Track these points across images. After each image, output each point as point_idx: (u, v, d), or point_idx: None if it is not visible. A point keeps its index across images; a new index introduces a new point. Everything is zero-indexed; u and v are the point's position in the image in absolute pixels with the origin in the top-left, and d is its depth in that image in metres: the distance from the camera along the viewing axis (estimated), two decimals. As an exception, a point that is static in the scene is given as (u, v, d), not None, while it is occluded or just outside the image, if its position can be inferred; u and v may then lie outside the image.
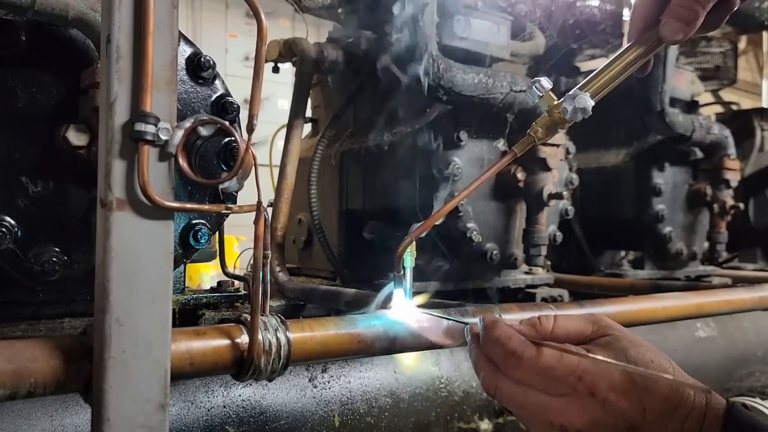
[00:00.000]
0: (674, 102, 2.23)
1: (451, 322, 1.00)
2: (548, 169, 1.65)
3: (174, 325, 0.75)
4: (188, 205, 0.85)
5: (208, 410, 1.09)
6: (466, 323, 0.86)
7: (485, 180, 0.95)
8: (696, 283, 2.24)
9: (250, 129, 0.79)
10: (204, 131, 0.80)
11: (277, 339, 0.85)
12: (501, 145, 1.68)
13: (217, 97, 1.06)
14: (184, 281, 1.27)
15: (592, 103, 0.85)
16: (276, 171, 1.79)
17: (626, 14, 2.45)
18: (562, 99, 0.86)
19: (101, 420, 0.69)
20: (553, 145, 1.66)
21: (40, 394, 0.71)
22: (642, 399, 0.69)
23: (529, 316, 1.18)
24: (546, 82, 0.87)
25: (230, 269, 1.34)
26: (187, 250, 1.04)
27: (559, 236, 1.80)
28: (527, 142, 0.89)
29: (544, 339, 0.77)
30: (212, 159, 1.02)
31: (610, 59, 0.88)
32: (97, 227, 0.71)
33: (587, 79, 0.88)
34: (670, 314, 1.46)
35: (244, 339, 0.84)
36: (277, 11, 5.34)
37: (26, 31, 0.96)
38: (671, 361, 0.76)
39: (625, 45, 0.89)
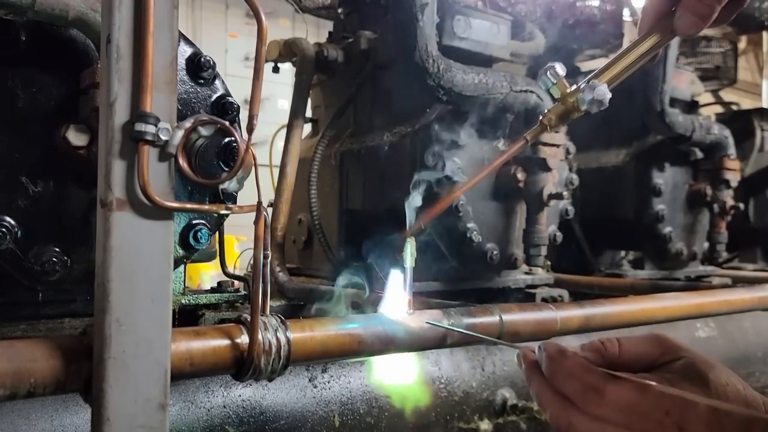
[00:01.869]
0: (674, 102, 2.23)
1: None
2: (548, 169, 1.65)
3: (174, 325, 0.75)
4: (188, 205, 0.85)
5: (208, 410, 1.09)
6: (516, 347, 0.80)
7: (496, 167, 0.94)
8: (696, 284, 2.24)
9: (250, 129, 0.79)
10: (204, 131, 0.80)
11: (277, 339, 0.85)
12: (501, 144, 1.68)
13: (217, 98, 1.06)
14: (184, 281, 1.26)
15: (610, 95, 0.83)
16: (276, 171, 1.79)
17: (626, 14, 2.46)
18: (576, 87, 0.84)
19: (101, 420, 0.69)
20: (553, 145, 1.66)
21: (40, 394, 0.71)
22: (723, 425, 0.65)
23: (529, 315, 1.18)
24: (560, 69, 0.85)
25: (230, 269, 1.34)
26: (187, 250, 1.04)
27: (559, 236, 1.80)
28: (540, 129, 0.87)
29: (613, 365, 0.73)
30: (212, 159, 1.02)
31: (623, 49, 0.86)
32: (97, 227, 0.71)
33: (601, 68, 0.86)
34: (670, 314, 1.46)
35: (244, 339, 0.83)
36: (277, 11, 5.34)
37: (26, 31, 0.96)
38: (741, 380, 0.73)
39: (629, 38, 0.88)
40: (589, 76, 0.85)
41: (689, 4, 0.81)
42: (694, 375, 0.71)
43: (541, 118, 0.87)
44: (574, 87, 0.84)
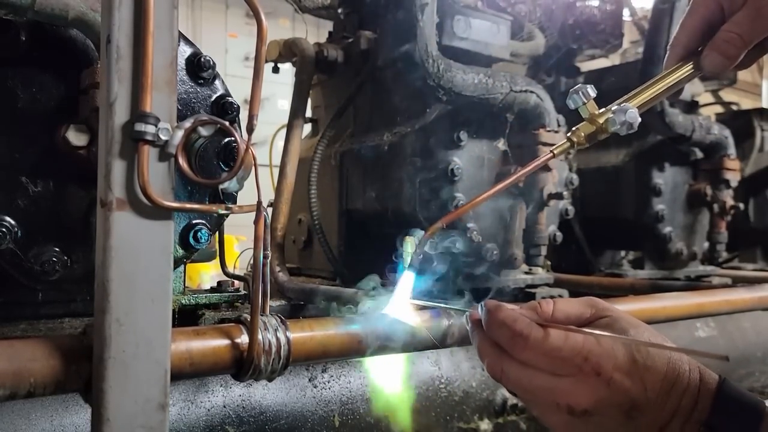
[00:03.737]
0: (674, 102, 2.23)
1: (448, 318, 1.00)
2: (548, 169, 1.65)
3: (174, 325, 0.76)
4: (188, 205, 0.85)
5: (208, 410, 1.09)
6: (465, 310, 0.85)
7: (522, 177, 0.96)
8: (696, 283, 2.24)
9: (250, 129, 0.80)
10: (204, 131, 0.80)
11: (277, 339, 0.85)
12: (501, 144, 1.68)
13: (217, 98, 1.06)
14: (184, 281, 1.26)
15: (639, 119, 0.86)
16: (276, 171, 1.79)
17: (626, 14, 2.46)
18: (607, 108, 0.87)
19: (101, 420, 0.69)
20: (553, 145, 1.65)
21: (40, 394, 0.71)
22: (643, 377, 0.71)
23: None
24: (591, 90, 0.87)
25: (230, 269, 1.34)
26: (187, 250, 1.04)
27: (559, 236, 1.80)
28: (567, 146, 0.90)
29: (546, 322, 0.77)
30: (212, 159, 1.02)
31: (651, 80, 0.89)
32: (97, 227, 0.71)
33: (631, 94, 0.89)
34: (670, 314, 1.46)
35: (244, 339, 0.84)
36: (277, 11, 5.34)
37: (26, 31, 0.96)
38: (668, 340, 0.76)
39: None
40: (620, 99, 0.88)
41: (717, 44, 0.84)
42: (616, 330, 0.75)
43: (569, 134, 0.90)
44: (604, 109, 0.87)
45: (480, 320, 0.79)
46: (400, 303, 1.02)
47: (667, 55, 0.90)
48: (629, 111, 0.85)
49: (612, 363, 0.71)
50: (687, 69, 0.87)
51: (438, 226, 0.92)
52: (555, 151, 0.89)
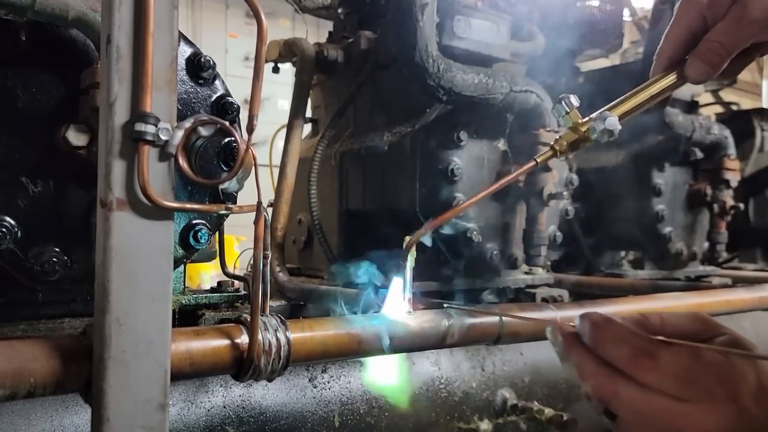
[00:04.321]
0: (674, 102, 2.23)
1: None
2: (548, 169, 1.65)
3: (174, 325, 0.76)
4: (188, 205, 0.85)
5: (208, 410, 1.09)
6: (546, 322, 0.78)
7: (506, 184, 0.98)
8: (696, 283, 2.24)
9: (250, 129, 0.80)
10: (204, 131, 0.80)
11: (277, 339, 0.85)
12: (501, 144, 1.68)
13: (217, 98, 1.06)
14: (184, 281, 1.26)
15: (620, 126, 0.87)
16: (276, 171, 1.79)
17: (626, 14, 2.46)
18: (588, 117, 0.89)
19: (101, 420, 0.69)
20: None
21: (40, 394, 0.71)
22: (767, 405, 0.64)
23: (529, 315, 1.18)
24: (574, 99, 0.89)
25: (230, 269, 1.34)
26: (187, 250, 1.04)
27: (559, 236, 1.80)
28: (550, 154, 0.91)
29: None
30: (212, 159, 1.02)
31: (636, 89, 0.91)
32: (97, 227, 0.71)
33: (613, 103, 0.90)
34: (670, 314, 1.46)
35: (244, 339, 0.84)
36: (277, 11, 5.34)
37: (26, 31, 0.96)
38: None
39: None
40: (602, 109, 0.90)
41: (700, 52, 0.85)
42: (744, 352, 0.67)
43: (552, 143, 0.92)
44: (587, 118, 0.89)
45: (576, 335, 0.71)
46: (400, 303, 1.03)
47: (653, 65, 0.91)
48: (609, 119, 0.86)
49: (748, 389, 0.63)
50: (671, 78, 0.89)
51: (430, 227, 0.93)
52: (538, 159, 0.92)
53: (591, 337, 0.68)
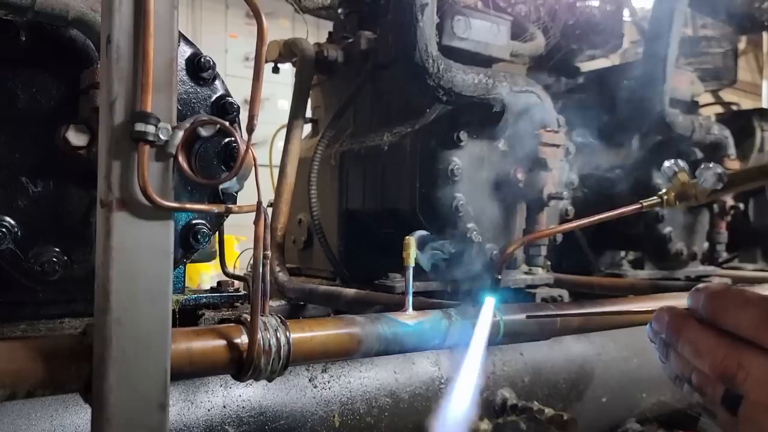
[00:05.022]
0: (674, 102, 2.23)
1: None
2: (548, 169, 1.65)
3: (174, 325, 0.75)
4: (188, 205, 0.85)
5: (208, 410, 1.09)
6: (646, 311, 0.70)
7: (605, 219, 1.06)
8: (696, 283, 2.23)
9: (250, 129, 0.79)
10: (204, 131, 0.80)
11: (277, 339, 0.85)
12: (501, 145, 1.68)
13: (217, 98, 1.06)
14: (184, 281, 1.27)
15: (725, 173, 0.96)
16: (276, 171, 1.79)
17: (626, 14, 2.45)
18: (695, 179, 1.01)
19: (101, 420, 0.69)
20: (553, 145, 1.66)
21: (40, 394, 0.71)
22: None
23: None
24: (682, 163, 1.03)
25: (230, 269, 1.34)
26: (187, 250, 1.04)
27: (559, 236, 1.80)
28: (655, 202, 1.04)
29: None
30: (212, 159, 1.02)
31: (748, 168, 0.98)
32: (97, 227, 0.71)
33: (729, 174, 1.01)
34: (670, 314, 1.46)
35: (244, 339, 0.84)
36: (277, 11, 5.33)
37: (26, 31, 0.96)
38: None
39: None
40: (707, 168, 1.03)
41: None
42: None
43: (660, 192, 1.01)
44: (694, 180, 1.01)
45: (684, 311, 0.64)
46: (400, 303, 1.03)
47: None
48: (713, 166, 1.00)
49: None
50: None
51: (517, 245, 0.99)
52: (643, 203, 1.01)
53: (709, 306, 0.61)
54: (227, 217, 1.01)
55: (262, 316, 0.85)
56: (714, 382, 0.61)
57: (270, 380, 0.89)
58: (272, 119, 3.13)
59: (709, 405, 0.63)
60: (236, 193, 0.97)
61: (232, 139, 1.00)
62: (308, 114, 1.95)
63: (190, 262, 1.19)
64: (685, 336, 0.62)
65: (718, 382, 0.60)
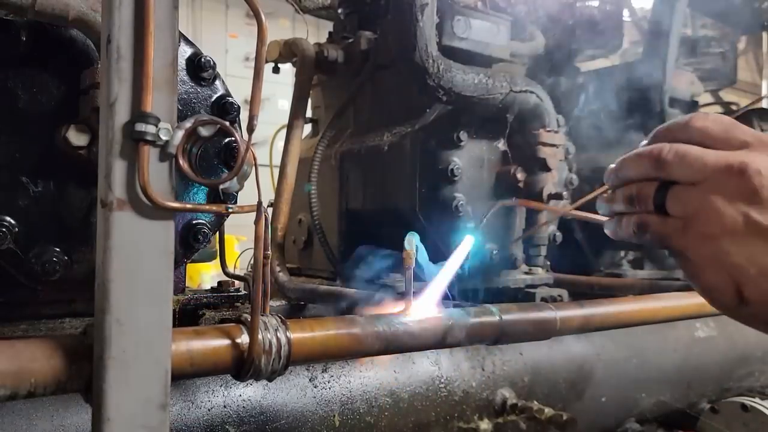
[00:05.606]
0: (674, 102, 2.23)
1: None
2: (548, 169, 1.65)
3: (174, 325, 0.75)
4: (188, 205, 0.85)
5: (209, 410, 1.09)
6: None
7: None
8: (696, 283, 2.23)
9: (251, 129, 0.80)
10: (204, 131, 0.80)
11: (278, 339, 0.85)
12: (501, 145, 1.68)
13: (217, 98, 1.06)
14: (185, 281, 1.27)
15: None
16: (276, 171, 1.79)
17: (626, 15, 2.45)
18: None
19: (101, 420, 0.69)
20: (553, 145, 1.66)
21: (41, 394, 0.71)
22: None
23: (528, 315, 1.18)
24: None
25: (230, 269, 1.34)
26: (187, 250, 1.04)
27: (559, 236, 1.80)
28: None
29: None
30: (212, 159, 1.02)
31: None
32: (97, 227, 0.72)
33: None
34: (670, 314, 1.46)
35: (244, 339, 0.84)
36: (277, 11, 5.34)
37: (26, 31, 0.96)
38: None
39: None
40: None
41: None
42: None
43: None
44: None
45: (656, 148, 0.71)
46: (400, 303, 1.03)
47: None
48: None
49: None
50: None
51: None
52: None
53: (689, 125, 0.73)
54: (227, 217, 1.01)
55: (262, 315, 0.85)
56: (647, 190, 0.69)
57: (270, 380, 0.89)
58: (272, 119, 3.13)
59: (645, 219, 0.70)
60: (236, 193, 0.97)
61: (233, 139, 1.00)
62: (308, 114, 1.95)
63: (191, 262, 1.19)
64: (623, 160, 0.72)
65: (651, 182, 0.69)
